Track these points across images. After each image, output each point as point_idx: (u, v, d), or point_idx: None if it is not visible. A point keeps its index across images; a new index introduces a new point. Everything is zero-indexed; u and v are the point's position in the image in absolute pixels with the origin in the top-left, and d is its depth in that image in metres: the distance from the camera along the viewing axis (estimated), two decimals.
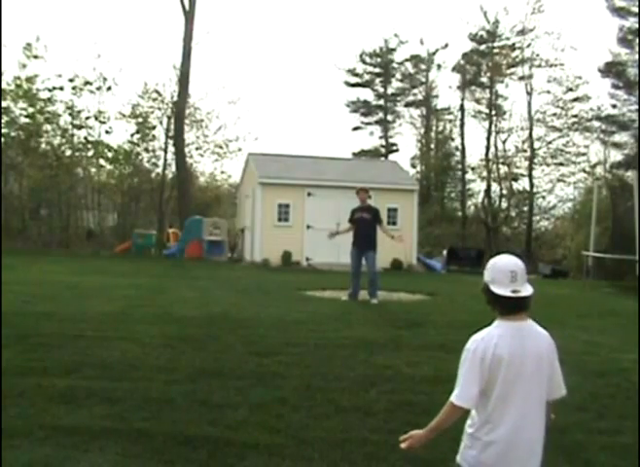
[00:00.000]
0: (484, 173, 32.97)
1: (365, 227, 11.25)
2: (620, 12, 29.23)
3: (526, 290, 2.41)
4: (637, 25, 28.02)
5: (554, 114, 31.82)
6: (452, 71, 34.82)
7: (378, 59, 37.11)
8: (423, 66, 36.30)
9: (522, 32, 32.16)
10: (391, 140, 37.63)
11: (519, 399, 2.38)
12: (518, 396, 2.38)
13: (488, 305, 2.49)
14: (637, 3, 27.35)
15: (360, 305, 10.66)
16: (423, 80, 36.51)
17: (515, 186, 32.93)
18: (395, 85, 37.49)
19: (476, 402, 2.39)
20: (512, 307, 2.42)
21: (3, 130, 25.42)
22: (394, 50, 36.90)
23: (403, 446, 2.48)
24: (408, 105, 37.11)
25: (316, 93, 55.56)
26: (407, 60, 36.51)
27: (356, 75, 37.58)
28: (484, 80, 33.69)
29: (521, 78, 32.51)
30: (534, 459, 2.43)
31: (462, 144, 34.57)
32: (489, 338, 2.40)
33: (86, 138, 27.33)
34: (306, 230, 19.36)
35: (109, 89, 27.50)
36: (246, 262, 20.16)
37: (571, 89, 31.55)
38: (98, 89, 27.34)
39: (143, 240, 23.64)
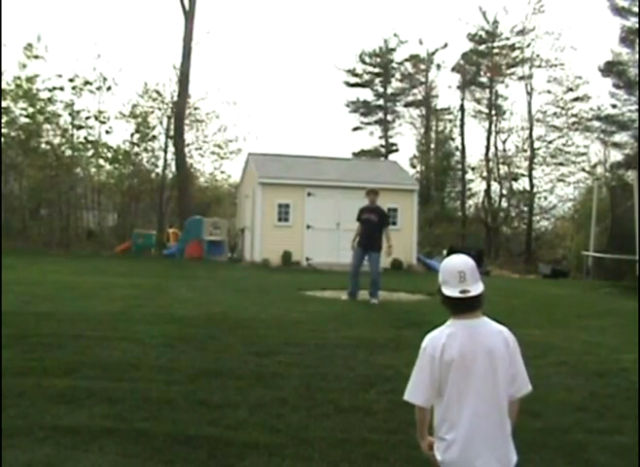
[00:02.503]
0: (484, 173, 32.97)
1: (370, 228, 11.24)
2: (621, 11, 29.21)
3: (476, 289, 2.42)
4: (637, 25, 28.01)
5: (555, 114, 31.82)
6: (452, 71, 34.82)
7: (378, 59, 37.06)
8: (423, 66, 36.26)
9: (522, 32, 32.16)
10: (391, 140, 37.60)
11: (473, 397, 2.38)
12: (472, 394, 2.38)
13: (442, 306, 2.51)
14: (638, 3, 27.34)
15: (360, 305, 10.66)
16: (423, 80, 36.48)
17: (516, 186, 32.95)
18: (395, 85, 37.44)
19: (427, 399, 2.42)
20: (462, 307, 2.43)
21: (3, 130, 25.40)
22: (393, 50, 36.86)
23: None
24: (407, 105, 37.07)
25: (316, 93, 55.56)
26: (406, 60, 36.46)
27: (356, 75, 37.53)
28: (484, 80, 33.68)
29: (521, 78, 32.51)
30: (496, 456, 2.41)
31: (462, 144, 34.57)
32: (439, 337, 2.43)
33: (86, 138, 27.31)
34: (306, 230, 19.36)
35: (109, 89, 27.51)
36: (246, 262, 20.16)
37: (571, 89, 31.55)
38: (98, 89, 27.34)
39: (143, 240, 23.63)
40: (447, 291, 2.43)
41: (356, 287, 11.21)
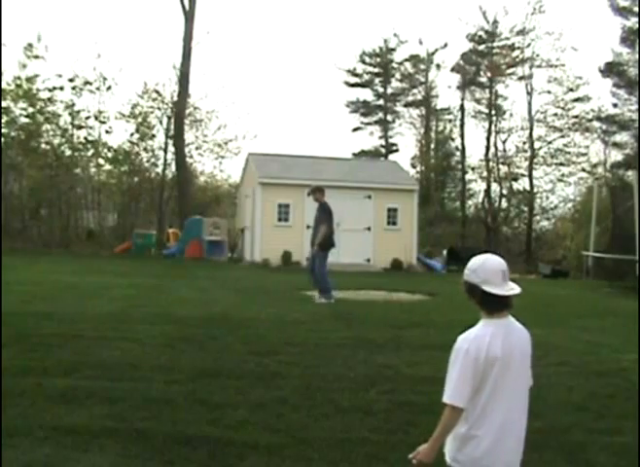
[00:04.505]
0: (484, 173, 32.96)
1: (316, 226, 11.07)
2: (622, 11, 29.20)
3: (517, 287, 2.47)
4: (638, 25, 28.01)
5: (555, 114, 31.79)
6: (452, 71, 34.77)
7: (378, 59, 37.02)
8: (422, 66, 36.24)
9: (522, 32, 32.13)
10: (391, 140, 37.54)
11: (507, 394, 2.43)
12: (507, 391, 2.43)
13: (478, 306, 2.52)
14: (638, 3, 27.34)
15: (360, 306, 10.65)
16: (423, 80, 36.45)
17: (516, 186, 32.95)
18: (394, 85, 37.38)
19: (468, 401, 2.42)
20: (503, 306, 2.48)
21: (3, 130, 25.42)
22: (393, 50, 36.81)
23: (414, 462, 2.45)
24: (407, 105, 37.02)
25: (316, 93, 55.47)
26: (406, 60, 36.40)
27: (356, 75, 37.47)
28: (484, 80, 33.67)
29: (521, 78, 32.48)
30: (521, 448, 2.49)
31: (462, 144, 34.54)
32: (481, 337, 2.43)
33: (86, 138, 27.34)
34: (306, 230, 19.31)
35: (109, 88, 27.52)
36: (246, 262, 20.16)
37: (572, 90, 31.51)
38: (98, 89, 27.36)
39: (143, 240, 23.64)
40: (494, 289, 2.44)
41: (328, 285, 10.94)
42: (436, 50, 35.49)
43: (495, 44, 33.32)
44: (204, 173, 32.80)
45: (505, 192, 32.81)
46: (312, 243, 11.10)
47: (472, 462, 2.42)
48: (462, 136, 34.47)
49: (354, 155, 36.07)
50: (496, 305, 2.47)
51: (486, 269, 2.48)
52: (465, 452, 2.43)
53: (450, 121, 35.54)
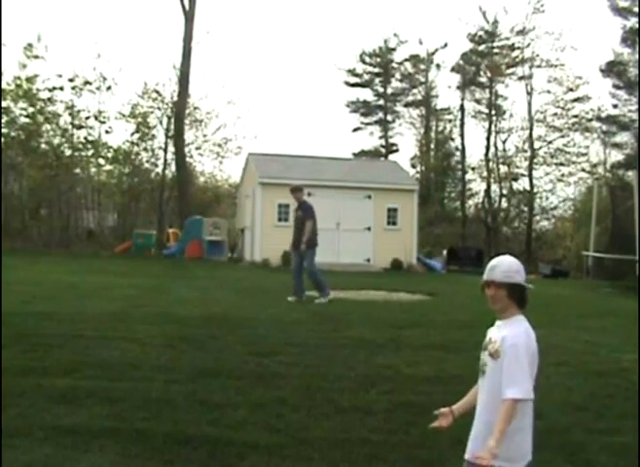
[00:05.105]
0: (484, 173, 32.98)
1: (297, 226, 10.90)
2: (622, 11, 29.21)
3: None
4: (638, 25, 28.01)
5: (555, 114, 31.82)
6: (451, 71, 34.81)
7: (378, 59, 37.04)
8: (422, 66, 36.25)
9: (522, 32, 32.17)
10: (391, 140, 37.57)
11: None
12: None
13: (515, 304, 2.52)
14: (638, 3, 27.34)
15: (360, 305, 10.65)
16: (423, 80, 36.48)
17: (515, 186, 32.98)
18: (395, 85, 37.42)
19: None
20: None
21: (3, 130, 25.42)
22: (394, 49, 36.84)
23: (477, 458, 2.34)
24: (407, 105, 37.05)
25: (316, 93, 55.52)
26: (406, 60, 36.44)
27: (356, 75, 37.50)
28: (484, 80, 33.69)
29: (521, 78, 32.52)
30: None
31: (462, 144, 34.58)
32: (529, 332, 2.51)
33: (86, 138, 27.35)
34: None
35: (109, 88, 27.56)
36: (246, 262, 20.16)
37: (571, 90, 31.56)
38: (98, 88, 27.39)
39: (143, 240, 23.64)
40: (529, 285, 2.55)
41: (299, 287, 10.85)
42: (436, 50, 35.55)
43: (495, 44, 33.38)
44: (204, 173, 32.86)
45: (505, 192, 32.85)
46: (294, 244, 10.91)
47: (523, 455, 2.46)
48: (462, 136, 34.53)
49: (354, 155, 36.08)
50: (527, 300, 2.57)
51: (522, 269, 2.58)
52: (513, 449, 2.42)
53: (450, 121, 35.63)
